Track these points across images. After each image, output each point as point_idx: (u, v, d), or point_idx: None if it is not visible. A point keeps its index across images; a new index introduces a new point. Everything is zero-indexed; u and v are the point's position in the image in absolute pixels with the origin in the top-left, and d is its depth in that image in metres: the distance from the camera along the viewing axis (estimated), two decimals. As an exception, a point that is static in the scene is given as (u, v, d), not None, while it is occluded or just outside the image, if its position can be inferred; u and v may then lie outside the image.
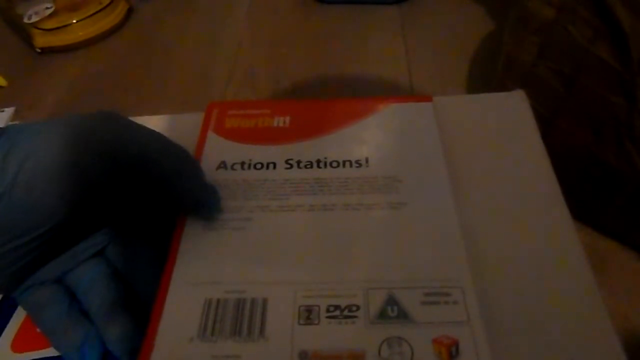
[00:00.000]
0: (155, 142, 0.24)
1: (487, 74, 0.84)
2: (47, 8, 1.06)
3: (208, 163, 0.27)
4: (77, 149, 0.22)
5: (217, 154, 0.28)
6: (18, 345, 0.25)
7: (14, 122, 0.35)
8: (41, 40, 1.07)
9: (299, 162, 0.27)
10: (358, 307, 0.21)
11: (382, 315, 0.21)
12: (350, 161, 0.27)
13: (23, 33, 1.10)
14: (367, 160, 0.27)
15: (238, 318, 0.21)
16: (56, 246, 0.24)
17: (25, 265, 0.23)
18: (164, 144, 0.24)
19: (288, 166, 0.27)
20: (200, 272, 0.23)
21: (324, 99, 0.31)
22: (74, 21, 1.08)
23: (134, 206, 0.25)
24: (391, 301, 0.21)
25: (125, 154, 0.23)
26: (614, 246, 0.67)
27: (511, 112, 0.32)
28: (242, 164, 0.27)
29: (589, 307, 0.23)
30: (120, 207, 0.25)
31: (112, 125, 0.23)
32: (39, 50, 1.08)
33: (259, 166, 0.27)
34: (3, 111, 0.93)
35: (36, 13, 1.06)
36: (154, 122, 0.34)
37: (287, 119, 0.30)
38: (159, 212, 0.25)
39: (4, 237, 0.21)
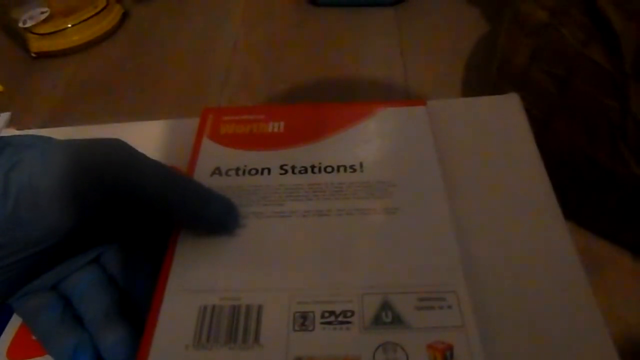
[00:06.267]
0: (159, 177, 0.23)
1: (482, 77, 0.85)
2: (42, 13, 1.06)
3: (203, 169, 0.28)
4: (81, 175, 0.22)
5: (211, 160, 0.28)
6: (14, 353, 0.25)
7: (9, 128, 0.35)
8: (36, 45, 1.07)
9: (293, 168, 0.27)
10: (353, 313, 0.21)
11: (377, 321, 0.21)
12: (344, 166, 0.27)
13: (18, 38, 1.10)
14: (361, 165, 0.27)
15: (233, 325, 0.21)
16: (54, 258, 0.24)
17: (21, 274, 0.23)
18: (169, 179, 0.23)
19: (282, 172, 0.27)
20: (196, 279, 0.23)
21: (318, 103, 0.31)
22: (69, 26, 1.08)
23: (135, 223, 0.25)
24: (386, 306, 0.21)
25: (128, 187, 0.23)
26: (608, 247, 0.67)
27: (505, 115, 0.32)
28: (237, 170, 0.27)
29: (584, 310, 0.23)
30: (122, 225, 0.25)
31: (119, 157, 0.23)
32: (34, 55, 1.08)
33: (253, 172, 0.27)
34: (-1, 116, 0.92)
35: (31, 18, 1.05)
36: (149, 128, 0.34)
37: (282, 124, 0.30)
38: (156, 223, 0.25)
39: (3, 251, 0.21)
